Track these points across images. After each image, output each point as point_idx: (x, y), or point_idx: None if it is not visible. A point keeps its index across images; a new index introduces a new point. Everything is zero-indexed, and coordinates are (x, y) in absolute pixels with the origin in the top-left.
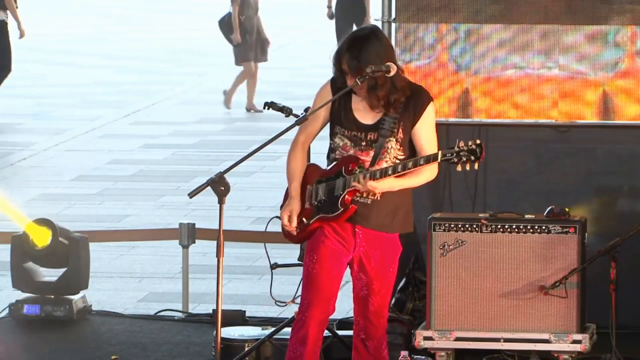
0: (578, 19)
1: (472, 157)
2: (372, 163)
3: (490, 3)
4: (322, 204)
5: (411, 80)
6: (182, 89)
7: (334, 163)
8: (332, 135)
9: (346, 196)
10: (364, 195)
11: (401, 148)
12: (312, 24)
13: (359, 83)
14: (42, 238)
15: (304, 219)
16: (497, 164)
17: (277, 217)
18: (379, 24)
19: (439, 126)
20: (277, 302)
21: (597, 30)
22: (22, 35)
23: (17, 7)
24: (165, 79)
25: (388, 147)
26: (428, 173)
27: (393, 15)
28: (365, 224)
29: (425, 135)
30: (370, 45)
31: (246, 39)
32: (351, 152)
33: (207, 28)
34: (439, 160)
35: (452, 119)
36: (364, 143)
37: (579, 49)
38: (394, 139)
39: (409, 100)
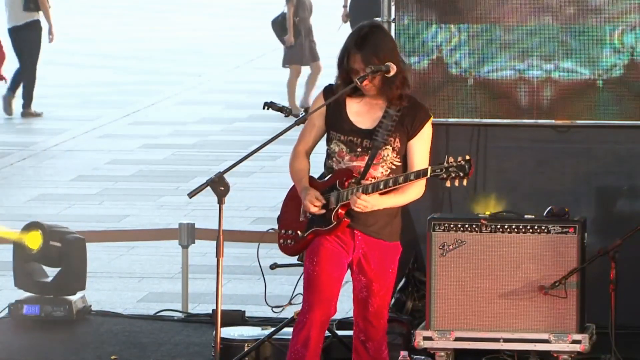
0: (577, 18)
1: (461, 174)
2: (364, 173)
3: (489, 3)
4: (316, 217)
5: (410, 80)
6: (182, 89)
7: (329, 176)
8: (328, 141)
9: (339, 210)
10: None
11: (398, 156)
12: (314, 23)
13: (359, 83)
14: (34, 241)
15: (299, 232)
16: (496, 164)
17: (272, 229)
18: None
19: (439, 126)
20: (273, 309)
21: (596, 29)
22: (51, 39)
23: (49, 7)
24: (165, 79)
25: (384, 155)
26: (416, 190)
27: (392, 15)
28: (363, 230)
29: (419, 152)
30: (383, 38)
31: (299, 40)
32: (346, 158)
33: (207, 28)
34: (428, 175)
35: (451, 119)
36: (359, 149)
37: (578, 48)
38: (391, 147)
39: (406, 112)
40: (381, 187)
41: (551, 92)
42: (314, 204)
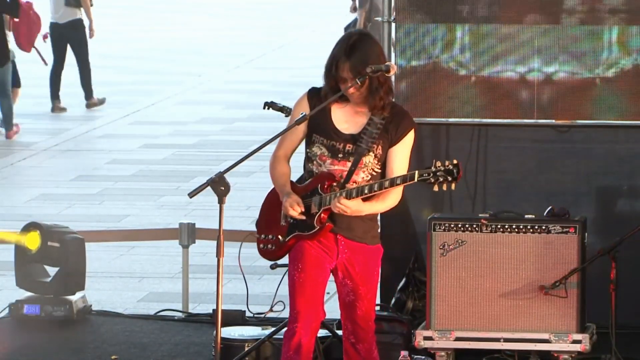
0: (577, 18)
1: (449, 178)
2: (347, 178)
3: (489, 3)
4: (298, 222)
5: (407, 83)
6: (182, 89)
7: (310, 180)
8: (310, 144)
9: (322, 214)
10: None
11: (379, 163)
12: (312, 24)
13: (359, 83)
14: (33, 241)
15: (280, 237)
16: (496, 164)
17: (251, 232)
18: (378, 24)
19: (440, 126)
20: (254, 315)
21: (596, 29)
22: (91, 35)
23: (91, 5)
24: (165, 79)
25: (366, 162)
26: (394, 198)
27: (393, 15)
28: (346, 234)
29: (399, 159)
30: (371, 47)
31: None
32: (328, 162)
33: (207, 28)
34: (415, 180)
35: (452, 119)
36: (340, 154)
37: (578, 48)
38: (373, 154)
39: (390, 120)
40: (366, 191)
41: (551, 92)
42: (293, 208)
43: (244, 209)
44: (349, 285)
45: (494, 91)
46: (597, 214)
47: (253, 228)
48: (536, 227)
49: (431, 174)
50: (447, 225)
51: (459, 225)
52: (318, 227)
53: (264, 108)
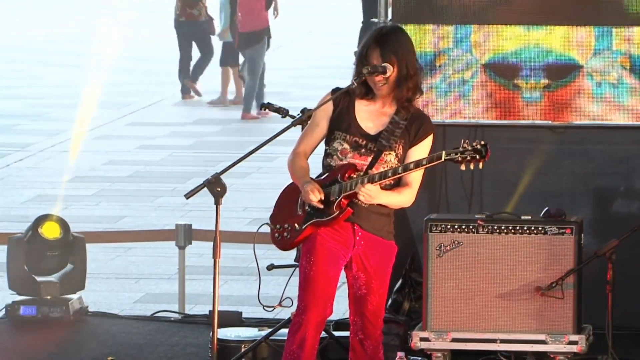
0: (574, 18)
1: (477, 156)
2: (369, 168)
3: (485, 4)
4: (316, 210)
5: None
6: (179, 89)
7: (329, 172)
8: (330, 141)
9: (342, 199)
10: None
11: (399, 163)
12: (311, 24)
13: (355, 84)
14: (52, 230)
15: (296, 225)
16: (493, 165)
17: (266, 223)
18: (375, 25)
19: (436, 127)
20: (265, 307)
21: (594, 30)
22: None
23: None
24: (162, 80)
25: (387, 160)
26: (409, 195)
27: (389, 16)
28: (363, 225)
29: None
30: (404, 41)
31: None
32: (349, 155)
33: None
34: (442, 159)
35: (448, 120)
36: (363, 150)
37: (574, 49)
38: (394, 153)
39: (412, 122)
40: (389, 175)
41: (548, 93)
42: (313, 193)
43: (240, 210)
44: (362, 279)
45: (491, 91)
46: (594, 215)
47: (250, 229)
48: (533, 228)
49: (459, 153)
50: (443, 226)
51: (456, 226)
52: (337, 212)
53: (261, 109)
